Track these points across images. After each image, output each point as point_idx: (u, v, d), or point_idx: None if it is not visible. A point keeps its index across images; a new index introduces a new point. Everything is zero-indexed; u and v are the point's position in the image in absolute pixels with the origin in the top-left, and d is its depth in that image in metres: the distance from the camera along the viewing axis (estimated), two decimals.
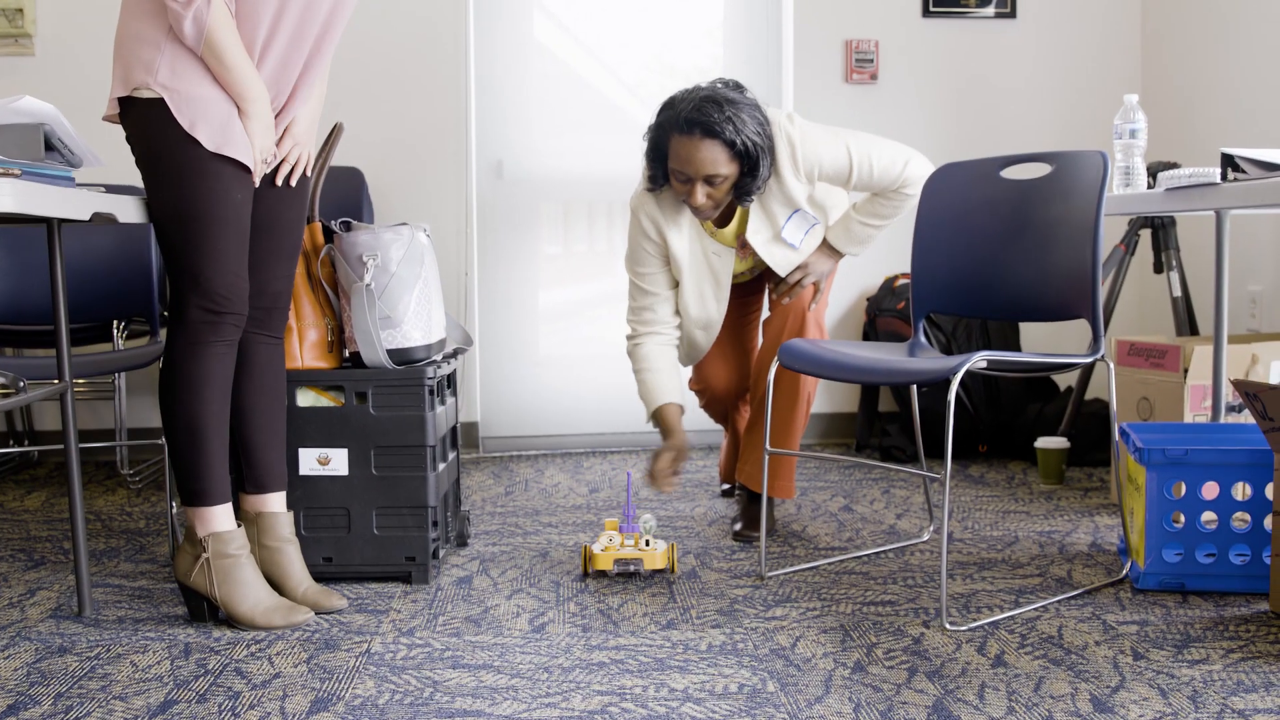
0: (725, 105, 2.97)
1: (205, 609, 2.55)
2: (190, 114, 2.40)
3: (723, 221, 3.24)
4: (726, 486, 3.80)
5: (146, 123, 2.44)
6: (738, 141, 2.96)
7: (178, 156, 2.42)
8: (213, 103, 2.43)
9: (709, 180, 3.01)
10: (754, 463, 3.29)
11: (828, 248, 3.26)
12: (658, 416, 3.22)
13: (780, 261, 3.21)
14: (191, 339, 2.49)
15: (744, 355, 3.56)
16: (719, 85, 3.06)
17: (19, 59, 4.51)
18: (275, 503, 2.70)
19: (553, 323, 4.84)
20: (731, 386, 3.50)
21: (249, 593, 2.53)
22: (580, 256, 4.86)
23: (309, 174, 2.69)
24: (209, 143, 2.41)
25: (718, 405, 3.58)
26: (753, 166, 3.01)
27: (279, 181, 2.61)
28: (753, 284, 3.48)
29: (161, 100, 2.40)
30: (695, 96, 3.00)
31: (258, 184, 2.56)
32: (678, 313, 3.30)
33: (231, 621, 2.54)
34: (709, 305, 3.27)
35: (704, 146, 2.96)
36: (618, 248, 4.78)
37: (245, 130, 2.47)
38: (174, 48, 2.41)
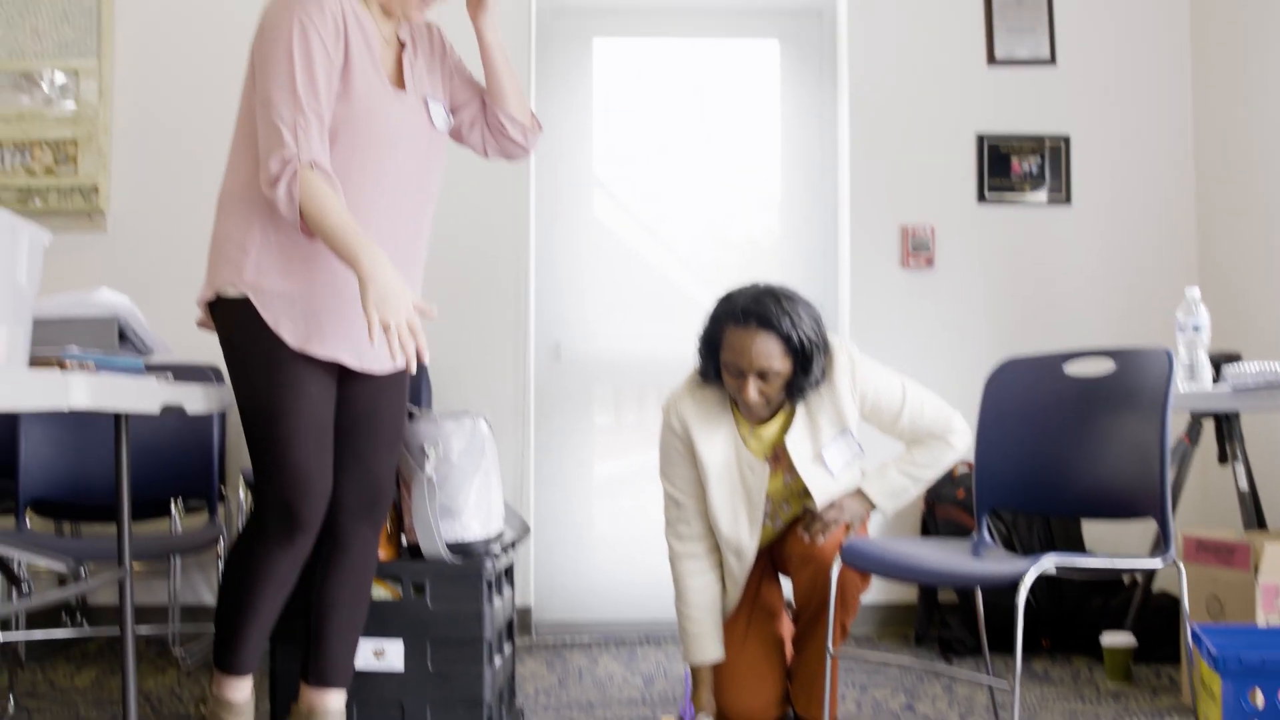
0: (783, 300, 2.98)
1: None
2: (274, 311, 2.44)
3: (763, 423, 3.17)
4: None
5: (232, 320, 2.48)
6: (794, 336, 2.95)
7: (260, 352, 2.45)
8: (296, 300, 2.45)
9: (762, 375, 2.98)
10: (811, 690, 3.13)
11: (861, 496, 3.14)
12: (693, 673, 3.17)
13: (817, 485, 3.10)
14: (260, 536, 2.50)
15: (776, 656, 3.26)
16: (774, 284, 3.07)
17: (92, 235, 4.63)
18: (335, 700, 2.65)
19: (607, 501, 4.82)
20: (768, 705, 3.19)
21: None
22: (633, 430, 4.86)
23: (424, 360, 2.38)
24: (292, 340, 2.44)
25: None
26: (807, 364, 2.99)
27: (396, 360, 2.36)
28: (779, 553, 3.31)
29: (247, 299, 2.44)
30: (754, 291, 3.02)
31: (360, 364, 2.54)
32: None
33: None
34: (741, 525, 3.13)
35: (760, 339, 2.95)
36: None
37: (363, 302, 2.32)
38: (260, 246, 2.45)
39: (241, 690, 2.59)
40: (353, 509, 2.63)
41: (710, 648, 3.14)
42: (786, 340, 2.96)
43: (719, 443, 3.13)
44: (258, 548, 2.50)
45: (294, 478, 2.46)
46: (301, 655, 2.67)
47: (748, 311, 2.97)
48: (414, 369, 2.42)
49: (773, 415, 3.16)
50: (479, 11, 2.71)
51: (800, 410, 3.11)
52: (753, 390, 2.99)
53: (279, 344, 2.44)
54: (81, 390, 2.14)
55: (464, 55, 2.85)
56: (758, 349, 2.96)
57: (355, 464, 2.62)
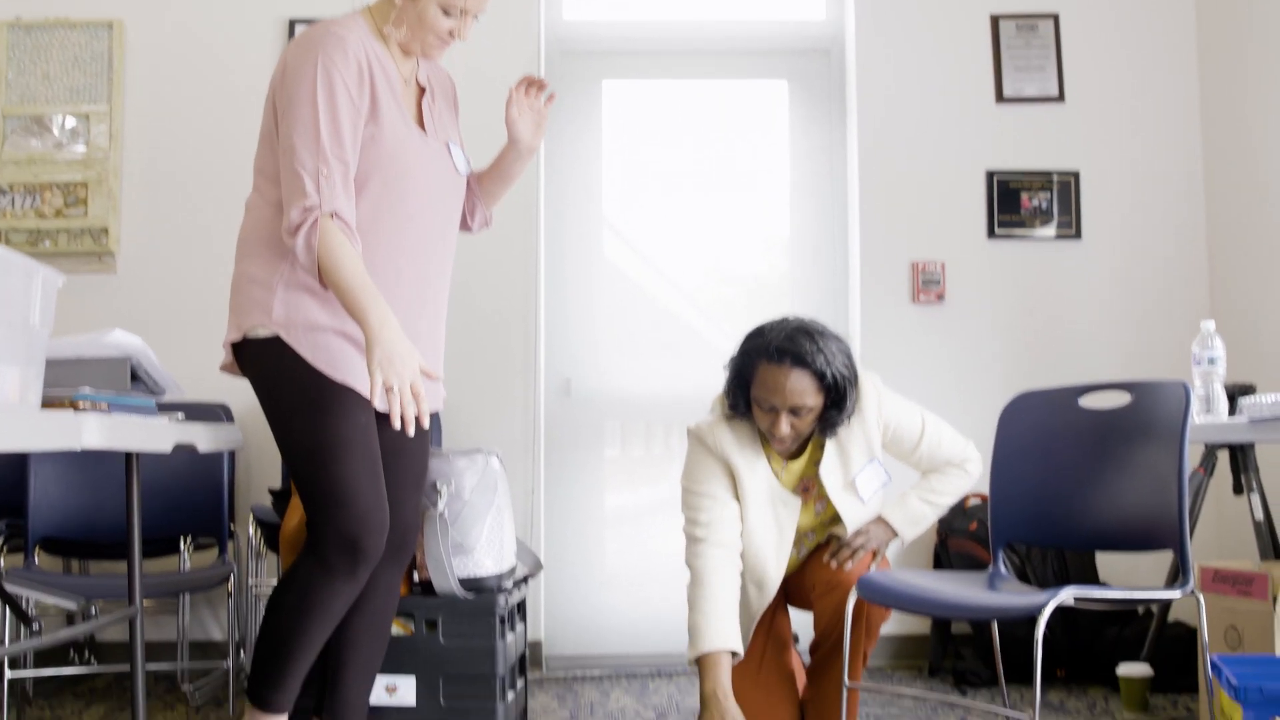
0: (816, 337, 2.97)
1: None
2: (309, 345, 2.42)
3: (793, 456, 3.18)
4: None
5: (264, 360, 2.46)
6: (828, 374, 2.94)
7: (299, 387, 2.43)
8: (328, 333, 2.44)
9: (794, 411, 2.97)
10: (830, 718, 3.08)
11: (883, 524, 3.17)
12: (707, 669, 2.90)
13: (850, 513, 3.12)
14: (322, 570, 2.43)
15: (789, 688, 3.24)
16: (804, 319, 3.06)
17: (103, 276, 4.63)
18: None
19: (618, 536, 4.81)
20: None
21: None
22: (641, 465, 4.86)
23: (424, 425, 2.40)
24: (330, 371, 2.42)
25: None
26: (839, 399, 2.99)
27: (395, 424, 2.35)
28: (793, 584, 3.28)
29: (277, 337, 2.42)
30: (786, 327, 3.00)
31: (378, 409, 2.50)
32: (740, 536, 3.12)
33: None
34: (769, 557, 3.12)
35: (794, 376, 2.94)
36: (677, 457, 4.76)
37: (368, 362, 2.34)
38: (286, 285, 2.44)
39: (277, 718, 2.51)
40: (385, 554, 2.60)
41: (729, 632, 2.95)
42: (820, 377, 2.95)
43: (757, 475, 3.12)
44: (320, 581, 2.43)
45: (358, 512, 2.42)
46: (315, 690, 2.64)
47: (782, 350, 2.95)
48: (411, 432, 2.38)
49: (802, 449, 3.15)
50: (535, 138, 2.73)
51: (830, 441, 3.11)
52: (785, 425, 2.98)
53: (320, 377, 2.42)
54: (94, 431, 2.14)
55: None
56: (792, 386, 2.94)
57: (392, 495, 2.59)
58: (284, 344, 2.42)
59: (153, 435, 2.34)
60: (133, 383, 2.50)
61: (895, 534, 3.17)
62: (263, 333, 2.44)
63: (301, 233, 2.35)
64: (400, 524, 2.63)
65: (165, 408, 2.59)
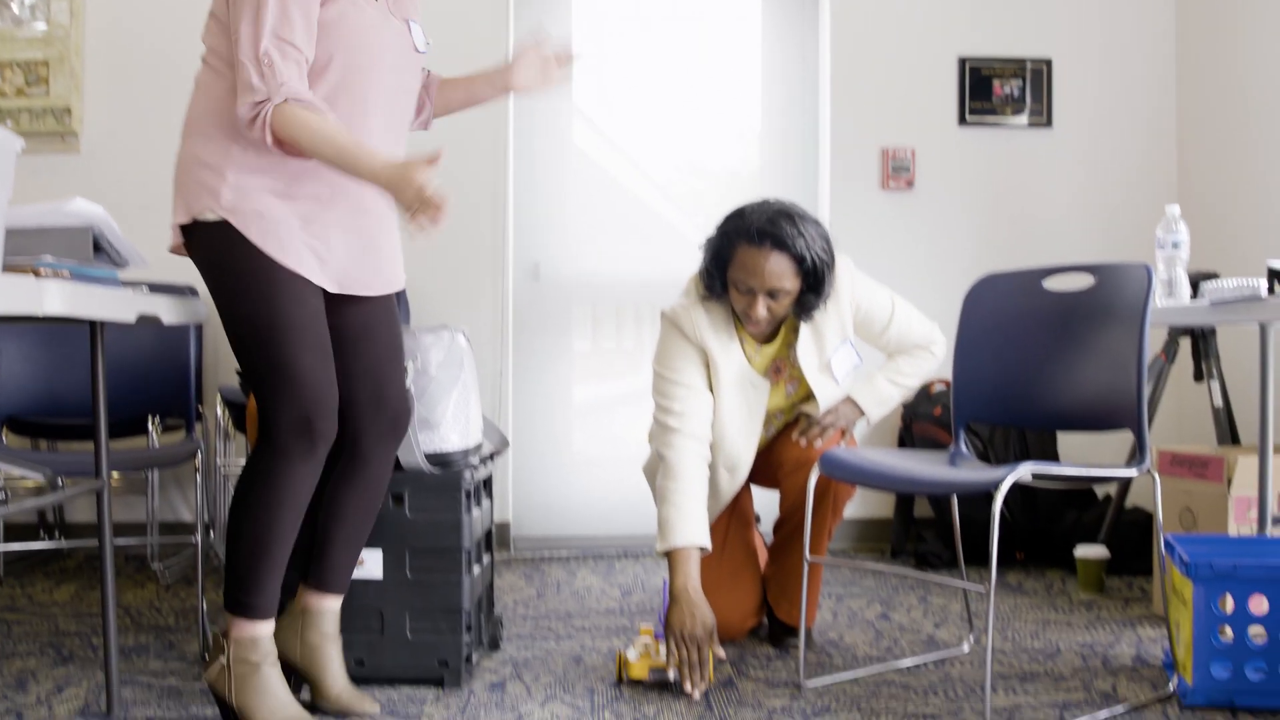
0: (796, 220, 2.95)
1: (231, 716, 2.48)
2: (258, 230, 2.39)
3: (766, 339, 3.19)
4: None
5: (213, 244, 2.43)
6: (807, 257, 2.93)
7: (249, 271, 2.40)
8: (279, 221, 2.42)
9: (772, 294, 2.96)
10: (793, 595, 3.15)
11: (852, 404, 3.20)
12: (677, 563, 2.90)
13: (824, 394, 3.15)
14: (279, 455, 2.43)
15: (753, 564, 3.30)
16: (784, 202, 3.03)
17: (66, 156, 4.58)
18: (330, 602, 2.66)
19: (586, 422, 4.85)
20: (747, 615, 3.26)
21: (264, 701, 2.44)
22: (611, 354, 4.88)
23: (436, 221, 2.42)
24: (278, 255, 2.40)
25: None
26: (817, 283, 2.99)
27: (422, 229, 2.41)
28: (758, 462, 3.29)
29: (225, 222, 2.40)
30: (767, 209, 2.98)
31: (341, 287, 2.52)
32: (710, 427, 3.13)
33: None
34: (739, 441, 3.14)
35: (773, 259, 2.93)
36: (647, 345, 4.79)
37: (400, 211, 2.39)
38: (236, 169, 2.40)
39: (265, 626, 2.49)
40: (377, 429, 2.62)
41: (699, 528, 2.95)
42: (799, 261, 2.94)
43: (730, 357, 3.12)
44: (278, 467, 2.42)
45: (310, 392, 2.42)
46: (302, 559, 2.65)
47: (763, 233, 2.93)
48: (439, 223, 2.41)
49: (775, 332, 3.17)
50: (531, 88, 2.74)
51: (806, 326, 3.12)
52: (762, 308, 2.98)
53: (269, 262, 2.40)
54: (56, 297, 2.12)
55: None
56: (771, 269, 2.94)
57: (367, 384, 2.59)
58: (232, 228, 2.40)
59: (116, 305, 2.33)
60: (95, 254, 2.48)
61: (863, 414, 3.20)
62: (210, 217, 2.41)
63: (256, 126, 2.32)
64: (391, 400, 2.63)
65: (130, 285, 2.57)
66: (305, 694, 2.65)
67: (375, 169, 2.37)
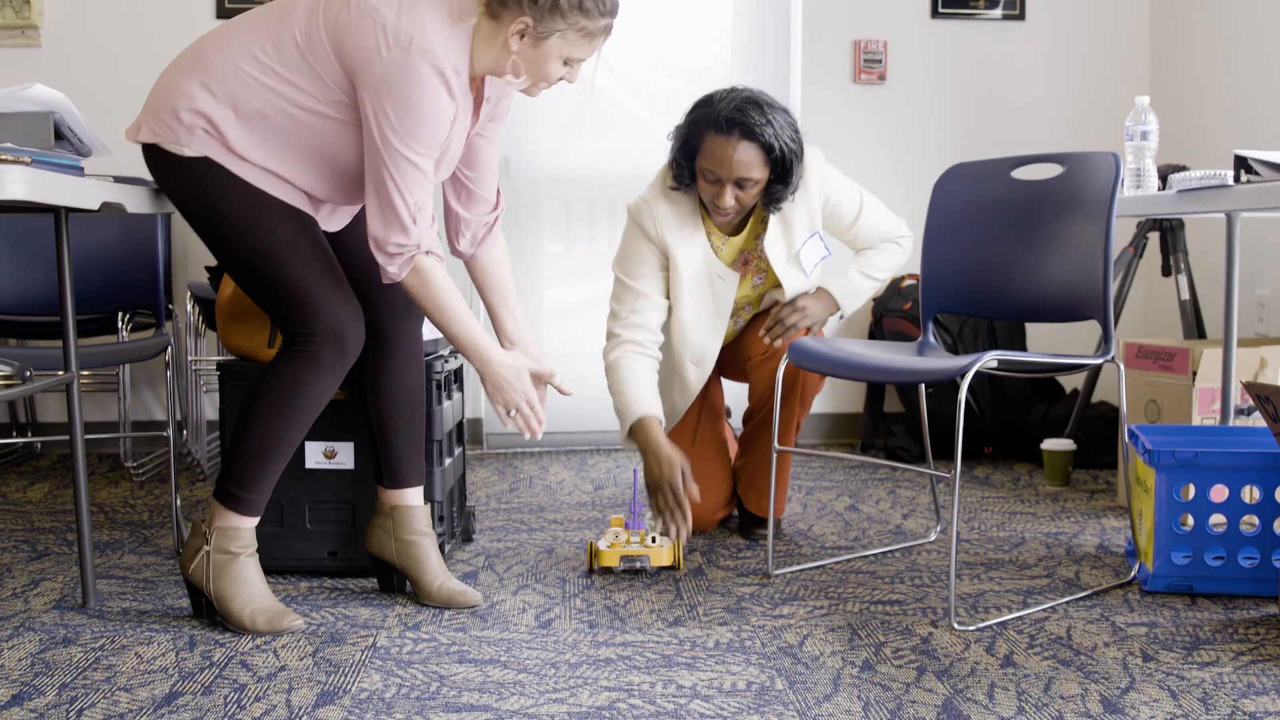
0: (765, 109, 2.92)
1: (204, 605, 2.50)
2: (245, 171, 2.38)
3: (734, 230, 3.18)
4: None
5: (194, 177, 2.39)
6: (776, 147, 2.90)
7: (243, 199, 2.38)
8: (258, 167, 2.40)
9: (740, 183, 2.94)
10: (762, 486, 3.19)
11: (826, 296, 3.20)
12: (639, 432, 2.96)
13: (792, 285, 3.14)
14: (309, 361, 2.42)
15: (723, 456, 3.33)
16: (753, 90, 3.00)
17: (25, 50, 4.50)
18: (412, 496, 2.69)
19: (556, 320, 4.84)
20: (717, 506, 3.29)
21: (241, 590, 2.45)
22: (583, 255, 4.87)
23: (538, 433, 2.68)
24: (267, 188, 2.40)
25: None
26: (785, 173, 2.97)
27: (526, 436, 2.66)
28: (727, 355, 3.32)
29: (208, 158, 2.36)
30: (736, 97, 2.94)
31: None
32: (663, 331, 3.14)
33: (223, 620, 2.47)
34: (707, 332, 3.15)
35: (741, 148, 2.90)
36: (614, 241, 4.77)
37: (487, 395, 2.57)
38: (240, 131, 2.36)
39: (249, 521, 2.49)
40: (393, 309, 2.64)
41: (653, 403, 3.00)
42: (768, 150, 2.91)
43: (694, 251, 3.11)
44: (305, 375, 2.41)
45: (336, 307, 2.42)
46: (372, 461, 2.69)
47: (731, 121, 2.89)
48: (539, 436, 2.65)
49: (739, 230, 3.16)
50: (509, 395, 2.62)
51: (775, 216, 3.11)
52: (729, 198, 2.95)
53: (258, 192, 2.39)
54: (17, 182, 2.10)
55: None
56: (739, 158, 2.91)
57: (372, 272, 2.54)
58: (215, 162, 2.36)
59: (79, 192, 2.30)
60: (57, 141, 2.45)
61: (837, 307, 3.20)
62: (189, 154, 2.37)
63: (395, 263, 2.35)
64: (403, 295, 2.59)
65: (93, 179, 2.54)
66: (409, 588, 2.68)
67: (487, 358, 2.50)
